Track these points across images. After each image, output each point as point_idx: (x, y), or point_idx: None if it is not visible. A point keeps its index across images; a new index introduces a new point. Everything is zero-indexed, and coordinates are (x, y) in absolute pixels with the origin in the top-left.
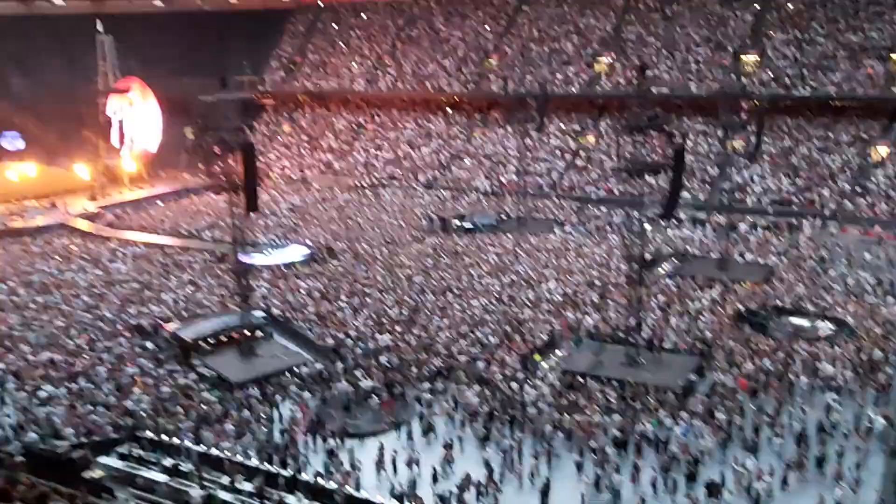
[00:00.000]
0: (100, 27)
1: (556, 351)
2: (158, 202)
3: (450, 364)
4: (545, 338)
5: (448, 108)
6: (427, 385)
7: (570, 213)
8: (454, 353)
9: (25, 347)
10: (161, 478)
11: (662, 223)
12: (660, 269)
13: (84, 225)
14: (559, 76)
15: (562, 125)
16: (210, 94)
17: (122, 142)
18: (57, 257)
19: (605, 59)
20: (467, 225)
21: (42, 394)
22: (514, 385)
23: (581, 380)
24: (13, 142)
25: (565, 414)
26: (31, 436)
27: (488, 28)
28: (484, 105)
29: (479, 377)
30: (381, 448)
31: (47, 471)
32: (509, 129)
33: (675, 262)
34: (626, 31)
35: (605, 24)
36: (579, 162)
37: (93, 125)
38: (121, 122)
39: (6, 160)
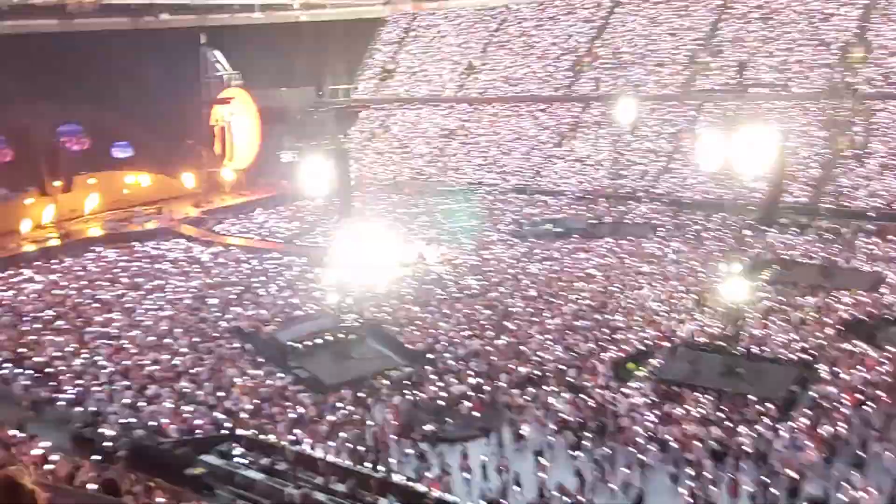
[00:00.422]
0: (203, 39)
1: (651, 359)
2: (258, 208)
3: (540, 371)
4: (639, 345)
5: (539, 112)
6: (517, 391)
7: (665, 217)
8: (545, 360)
9: (133, 348)
10: (258, 476)
11: (762, 227)
12: (760, 275)
13: (188, 230)
14: (654, 77)
15: (657, 127)
16: (307, 102)
17: (223, 150)
18: (163, 261)
19: (702, 59)
20: (559, 229)
21: (148, 392)
22: (607, 393)
23: (677, 389)
24: (123, 151)
25: (660, 424)
26: (138, 433)
27: (580, 31)
28: (577, 108)
29: (570, 384)
30: (472, 453)
31: (152, 467)
32: (602, 131)
33: (776, 268)
34: (723, 29)
35: (702, 24)
36: (675, 164)
37: (197, 134)
38: (223, 130)
39: (116, 168)
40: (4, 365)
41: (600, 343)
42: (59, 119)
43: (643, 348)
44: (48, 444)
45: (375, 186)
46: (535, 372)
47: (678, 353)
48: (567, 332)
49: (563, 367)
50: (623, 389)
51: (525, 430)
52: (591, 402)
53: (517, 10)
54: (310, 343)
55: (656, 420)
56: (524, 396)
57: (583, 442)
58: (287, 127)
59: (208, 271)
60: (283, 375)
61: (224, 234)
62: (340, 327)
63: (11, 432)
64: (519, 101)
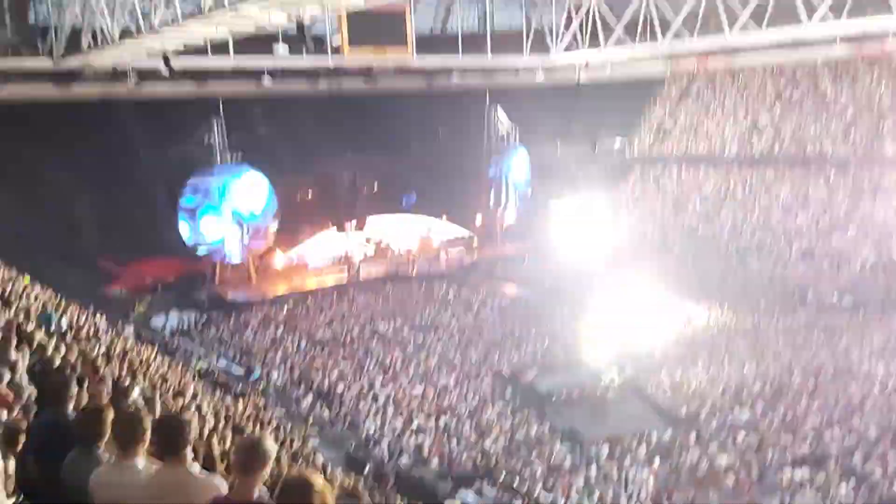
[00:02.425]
0: (488, 99)
1: None
2: (525, 256)
3: (819, 452)
4: None
5: (831, 173)
6: (790, 471)
7: None
8: (824, 441)
9: (404, 379)
10: None
11: None
12: None
13: (461, 274)
14: None
15: None
16: (580, 159)
17: (499, 200)
18: (436, 302)
19: None
20: (848, 299)
21: (414, 424)
22: None
23: None
24: (410, 199)
25: None
26: (403, 460)
27: (884, 88)
28: (875, 169)
29: (854, 472)
30: None
31: (414, 494)
32: None
33: None
34: None
35: None
36: None
37: (477, 185)
38: (499, 183)
39: (404, 213)
40: (295, 384)
41: (893, 429)
42: (358, 168)
43: None
44: (325, 460)
45: (644, 245)
46: (813, 452)
47: None
48: (853, 413)
49: (846, 452)
50: None
51: None
52: (880, 495)
53: (812, 66)
54: (568, 394)
55: None
56: (798, 477)
57: None
58: (561, 182)
59: (477, 314)
60: (539, 423)
61: (494, 280)
62: (598, 381)
63: (297, 446)
64: (809, 161)
